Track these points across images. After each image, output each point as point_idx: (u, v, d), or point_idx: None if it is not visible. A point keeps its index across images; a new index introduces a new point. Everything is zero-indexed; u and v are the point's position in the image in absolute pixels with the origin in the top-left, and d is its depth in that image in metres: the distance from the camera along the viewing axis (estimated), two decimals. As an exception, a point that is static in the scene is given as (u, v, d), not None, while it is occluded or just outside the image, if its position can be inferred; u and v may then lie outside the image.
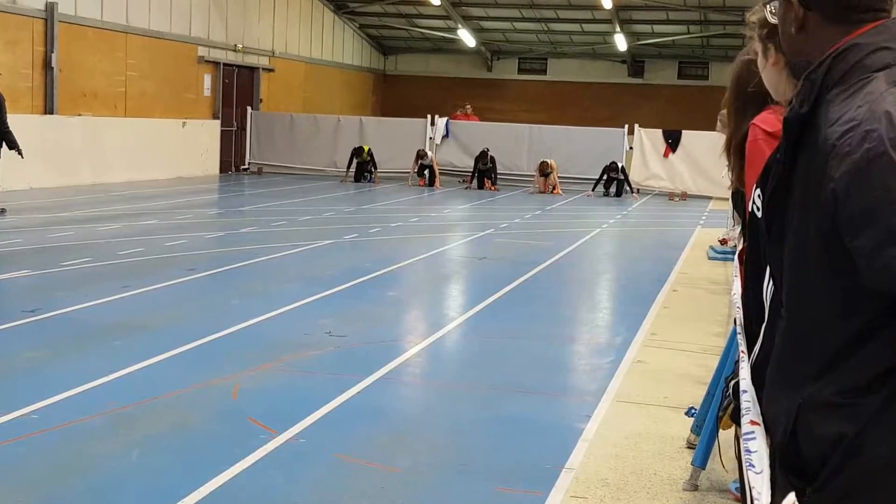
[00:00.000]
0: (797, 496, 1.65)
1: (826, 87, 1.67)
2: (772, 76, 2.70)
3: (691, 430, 5.14)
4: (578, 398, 6.13)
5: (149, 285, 8.93)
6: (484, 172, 22.03)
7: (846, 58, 1.67)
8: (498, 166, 22.16)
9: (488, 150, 21.91)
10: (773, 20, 1.94)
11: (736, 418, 2.64)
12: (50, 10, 17.79)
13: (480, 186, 21.98)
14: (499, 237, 13.84)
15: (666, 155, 22.17)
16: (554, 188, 21.44)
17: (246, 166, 24.17)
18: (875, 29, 1.68)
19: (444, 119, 23.84)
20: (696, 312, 8.72)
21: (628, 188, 21.50)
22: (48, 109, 17.91)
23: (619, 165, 21.27)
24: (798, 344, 1.69)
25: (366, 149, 22.36)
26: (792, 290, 1.71)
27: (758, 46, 2.71)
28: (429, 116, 23.63)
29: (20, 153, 13.90)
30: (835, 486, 1.60)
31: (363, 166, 22.35)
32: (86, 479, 4.46)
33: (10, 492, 4.25)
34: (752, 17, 2.75)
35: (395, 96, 32.88)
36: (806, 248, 1.65)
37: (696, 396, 5.38)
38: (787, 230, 1.73)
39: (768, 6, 1.97)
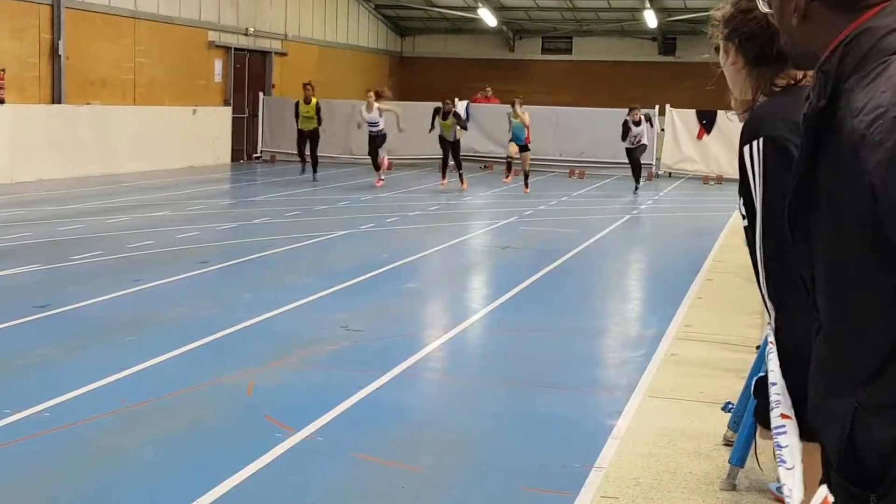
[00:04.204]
0: None
1: (841, 76, 1.64)
2: (731, 74, 2.71)
3: (728, 427, 5.09)
4: (608, 394, 6.10)
5: (160, 279, 8.97)
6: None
7: (859, 44, 1.64)
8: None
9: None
10: (765, 10, 1.91)
11: (761, 418, 2.61)
12: (56, -5, 17.89)
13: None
14: (523, 225, 13.80)
15: (700, 136, 22.00)
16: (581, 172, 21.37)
17: (258, 154, 24.23)
18: (883, 11, 1.66)
19: (465, 102, 23.78)
20: (733, 302, 8.65)
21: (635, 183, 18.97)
22: (56, 98, 18.02)
23: (636, 143, 18.90)
24: (844, 348, 1.66)
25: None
26: (831, 291, 1.68)
27: (719, 44, 2.70)
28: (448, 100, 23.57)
29: None
30: None
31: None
32: (98, 478, 4.48)
33: (23, 491, 4.29)
34: (716, 14, 2.71)
35: (412, 79, 32.81)
36: (844, 246, 1.62)
37: (734, 391, 5.33)
38: (814, 231, 1.70)
39: None
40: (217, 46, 22.86)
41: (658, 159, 22.57)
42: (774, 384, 2.44)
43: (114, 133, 19.13)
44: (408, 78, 33.19)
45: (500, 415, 5.61)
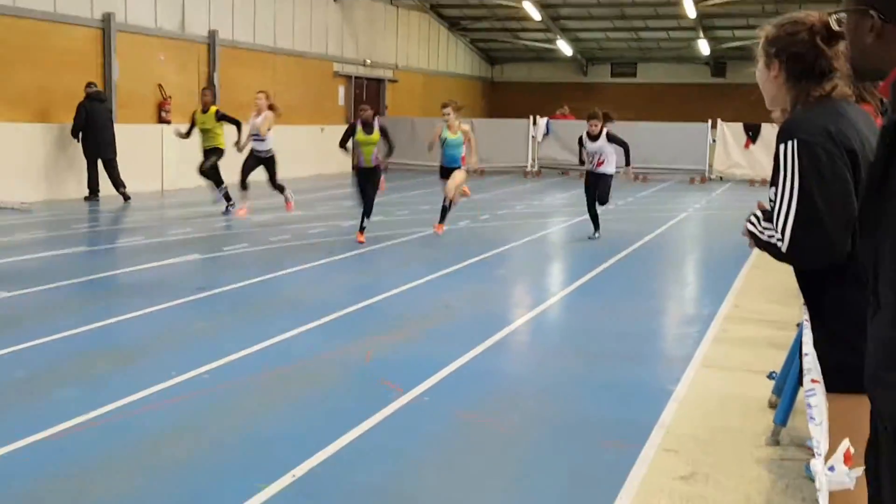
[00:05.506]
0: None
1: None
2: (771, 87, 2.62)
3: (772, 392, 4.98)
4: (669, 364, 6.00)
5: (297, 266, 9.17)
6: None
7: None
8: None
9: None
10: (838, 28, 1.86)
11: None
12: (212, 36, 18.42)
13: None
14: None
15: (747, 146, 21.57)
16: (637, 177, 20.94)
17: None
18: None
19: (545, 119, 23.62)
20: (776, 288, 8.41)
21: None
22: (212, 121, 18.50)
23: (594, 167, 11.41)
24: None
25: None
26: None
27: (761, 59, 2.62)
28: (531, 117, 23.46)
29: None
30: None
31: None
32: (245, 428, 4.59)
33: (187, 438, 4.44)
34: (761, 34, 2.63)
35: (501, 100, 32.73)
36: None
37: (777, 362, 5.20)
38: (882, 226, 1.63)
39: (832, 17, 1.89)
40: (340, 75, 23.20)
41: (710, 165, 22.13)
42: (807, 354, 2.44)
43: (258, 148, 19.51)
44: (497, 100, 33.13)
45: (578, 381, 5.57)
